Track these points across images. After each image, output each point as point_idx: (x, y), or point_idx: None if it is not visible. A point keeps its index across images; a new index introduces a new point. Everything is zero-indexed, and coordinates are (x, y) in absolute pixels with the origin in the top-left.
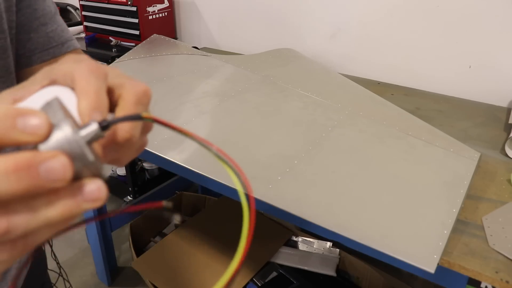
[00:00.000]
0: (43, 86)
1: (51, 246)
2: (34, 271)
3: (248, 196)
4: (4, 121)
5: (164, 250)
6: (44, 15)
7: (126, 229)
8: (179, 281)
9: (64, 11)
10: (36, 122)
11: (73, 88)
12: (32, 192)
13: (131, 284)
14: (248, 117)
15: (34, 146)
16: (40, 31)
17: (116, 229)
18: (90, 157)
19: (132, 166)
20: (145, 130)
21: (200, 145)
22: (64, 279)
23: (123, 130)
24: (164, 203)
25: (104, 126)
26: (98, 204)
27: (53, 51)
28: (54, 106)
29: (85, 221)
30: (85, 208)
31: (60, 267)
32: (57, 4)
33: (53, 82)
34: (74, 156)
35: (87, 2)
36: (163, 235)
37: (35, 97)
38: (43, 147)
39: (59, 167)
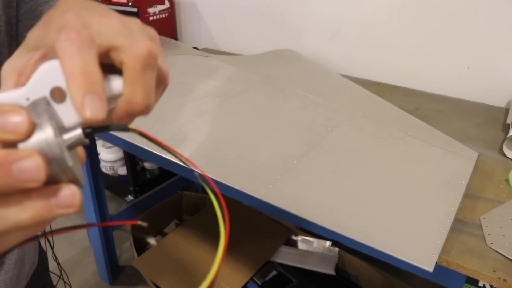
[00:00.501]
0: (37, 61)
1: (52, 248)
2: (35, 273)
3: (225, 221)
4: None
5: (165, 249)
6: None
7: (127, 228)
8: (180, 279)
9: None
10: (16, 120)
11: None
12: (3, 190)
13: (132, 283)
14: (248, 117)
15: (13, 145)
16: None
17: (117, 228)
18: (69, 162)
19: (133, 166)
20: (160, 82)
21: (184, 164)
22: (65, 282)
23: (134, 105)
24: (139, 222)
25: (88, 133)
26: (71, 211)
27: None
28: (40, 106)
29: (58, 230)
30: (57, 214)
31: (61, 269)
32: None
33: (44, 57)
34: (52, 159)
35: None
36: (164, 234)
37: (31, 85)
38: (22, 146)
39: (33, 167)
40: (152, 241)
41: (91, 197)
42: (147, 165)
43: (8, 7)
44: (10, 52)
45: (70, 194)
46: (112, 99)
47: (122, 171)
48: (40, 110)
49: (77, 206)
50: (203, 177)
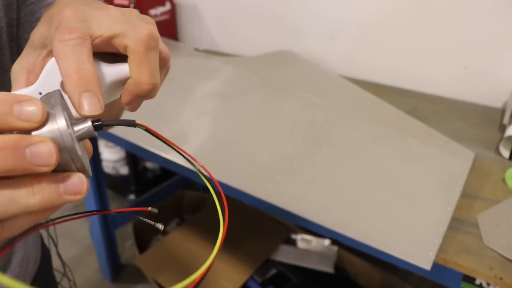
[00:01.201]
0: (44, 57)
1: (56, 246)
2: (39, 271)
3: (224, 213)
4: (2, 106)
5: (166, 247)
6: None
7: (129, 227)
8: (181, 277)
9: None
10: (31, 109)
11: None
12: (16, 172)
13: (134, 281)
14: (248, 117)
15: (28, 132)
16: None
17: (119, 227)
18: (79, 151)
19: (134, 166)
20: (163, 64)
21: (186, 159)
22: (68, 279)
23: (142, 86)
24: (150, 208)
25: (97, 126)
26: (78, 197)
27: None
28: (55, 98)
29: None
30: (65, 200)
31: (64, 267)
32: None
33: (51, 53)
34: (63, 148)
35: None
36: (165, 233)
37: (42, 79)
38: (35, 133)
39: (45, 152)
40: (160, 226)
41: (93, 196)
42: (148, 164)
43: (9, 9)
44: (12, 54)
45: (78, 182)
46: (120, 85)
47: (124, 170)
48: (54, 101)
49: (85, 194)
50: (203, 171)
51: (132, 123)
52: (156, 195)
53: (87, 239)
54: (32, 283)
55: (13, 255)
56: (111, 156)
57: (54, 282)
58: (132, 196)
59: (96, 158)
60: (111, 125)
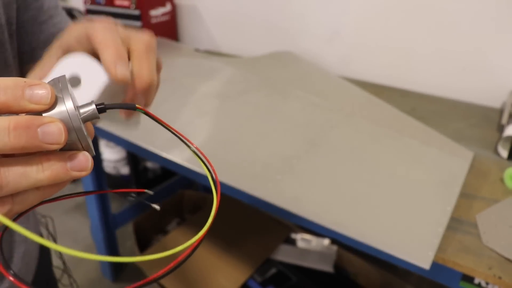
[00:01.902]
0: (59, 57)
1: (55, 242)
2: (39, 268)
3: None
4: (14, 90)
5: (167, 247)
6: (50, 8)
7: (129, 227)
8: (181, 277)
9: (69, 14)
10: (42, 92)
11: (89, 51)
12: (28, 150)
13: (134, 281)
14: (248, 118)
15: (38, 114)
16: (48, 23)
17: (120, 226)
18: (85, 131)
19: (135, 166)
20: (158, 69)
21: (182, 141)
22: (68, 275)
23: (143, 79)
24: (146, 190)
25: (100, 108)
26: (83, 174)
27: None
28: (62, 83)
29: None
30: (72, 176)
31: (64, 264)
32: (63, 8)
33: (67, 50)
34: (71, 128)
35: (91, 6)
36: (165, 233)
37: (54, 73)
38: (45, 115)
39: (56, 131)
40: (156, 206)
41: (94, 195)
42: (149, 164)
43: (7, 7)
44: (12, 49)
45: (84, 159)
46: (119, 90)
47: (125, 170)
48: (62, 86)
49: (89, 171)
50: (198, 153)
51: (132, 107)
52: (157, 195)
53: (88, 239)
54: (33, 279)
55: (15, 250)
56: (112, 156)
57: (54, 279)
58: (132, 196)
59: (97, 158)
60: (113, 108)
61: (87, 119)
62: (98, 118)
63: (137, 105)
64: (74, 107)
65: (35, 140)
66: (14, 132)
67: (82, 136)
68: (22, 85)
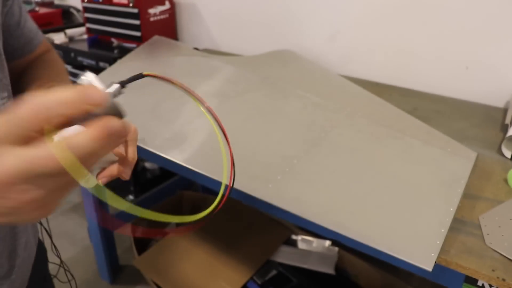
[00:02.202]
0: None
1: (50, 237)
2: (36, 264)
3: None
4: (80, 98)
5: (165, 248)
6: (23, 10)
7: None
8: (180, 278)
9: (66, 13)
10: (99, 97)
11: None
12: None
13: (132, 282)
14: (248, 117)
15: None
16: (25, 26)
17: (118, 228)
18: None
19: (134, 166)
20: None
21: (194, 100)
22: (65, 269)
23: (132, 156)
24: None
25: (123, 85)
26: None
27: (29, 48)
28: (94, 82)
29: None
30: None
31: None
32: (60, 6)
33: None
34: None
35: (89, 4)
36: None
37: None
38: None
39: (123, 130)
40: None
41: (92, 196)
42: (147, 165)
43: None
44: (3, 40)
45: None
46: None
47: None
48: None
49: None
50: (208, 110)
51: (141, 75)
52: (155, 196)
53: (85, 240)
54: (30, 276)
55: (18, 241)
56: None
57: (49, 275)
58: (131, 197)
59: None
60: (129, 82)
61: (115, 94)
62: (123, 93)
63: (144, 73)
64: (112, 89)
65: (116, 143)
66: (107, 139)
67: (112, 105)
68: (83, 96)
